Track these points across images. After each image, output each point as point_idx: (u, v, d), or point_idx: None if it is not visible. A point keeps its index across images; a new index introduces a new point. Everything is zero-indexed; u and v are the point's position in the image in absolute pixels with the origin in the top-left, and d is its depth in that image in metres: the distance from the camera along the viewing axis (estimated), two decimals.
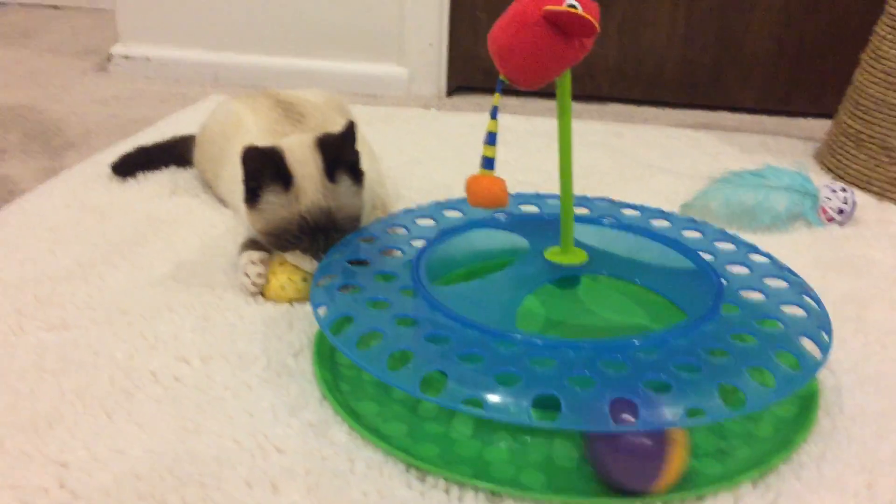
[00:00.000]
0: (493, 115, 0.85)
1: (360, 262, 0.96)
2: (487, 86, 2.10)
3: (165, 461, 0.77)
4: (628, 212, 1.11)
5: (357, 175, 1.06)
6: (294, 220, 1.01)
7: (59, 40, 2.51)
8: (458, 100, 2.10)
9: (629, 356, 0.78)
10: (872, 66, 1.51)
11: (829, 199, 1.33)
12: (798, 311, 0.88)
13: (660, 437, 0.71)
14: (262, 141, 1.05)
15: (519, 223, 1.07)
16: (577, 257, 0.96)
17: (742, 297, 0.90)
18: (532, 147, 1.66)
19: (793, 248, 1.25)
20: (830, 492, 0.75)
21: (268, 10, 2.08)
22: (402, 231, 1.05)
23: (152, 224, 1.25)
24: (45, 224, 1.24)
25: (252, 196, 1.02)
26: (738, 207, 1.31)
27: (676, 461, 0.72)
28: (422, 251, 0.98)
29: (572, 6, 0.79)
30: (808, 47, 1.98)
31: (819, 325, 0.86)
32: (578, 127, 1.79)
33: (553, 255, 0.97)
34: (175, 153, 1.43)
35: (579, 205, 1.12)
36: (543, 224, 1.06)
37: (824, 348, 0.83)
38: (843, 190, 1.33)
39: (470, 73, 2.13)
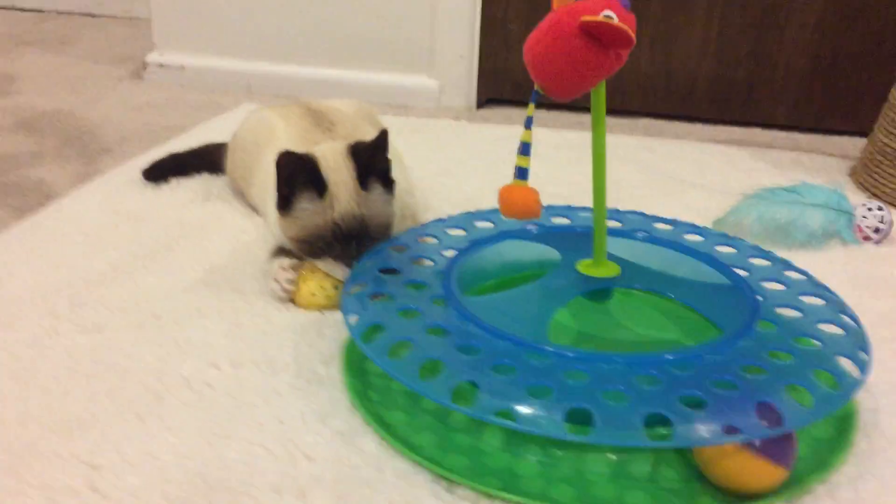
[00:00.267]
0: (528, 126, 0.85)
1: (391, 271, 0.96)
2: (517, 98, 2.10)
3: (195, 466, 0.77)
4: (661, 226, 1.10)
5: (388, 183, 1.07)
6: (328, 227, 1.01)
7: (96, 48, 2.54)
8: (488, 112, 2.10)
9: (663, 371, 0.77)
10: None
11: (865, 217, 1.31)
12: (836, 330, 0.87)
13: None
14: (294, 149, 1.05)
15: (551, 235, 1.07)
16: (610, 270, 0.95)
17: (778, 314, 0.89)
18: (563, 160, 1.66)
19: (828, 266, 1.23)
20: None
21: (301, 21, 2.10)
22: (432, 241, 1.05)
23: (184, 230, 1.26)
24: (80, 228, 1.25)
25: (285, 203, 1.02)
26: (771, 224, 1.30)
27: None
28: (453, 261, 0.98)
29: (609, 17, 0.79)
30: (842, 63, 1.96)
31: (857, 344, 0.85)
32: (609, 141, 1.78)
33: (585, 267, 0.96)
34: (207, 160, 1.44)
35: (611, 218, 1.11)
36: (575, 236, 1.05)
37: (863, 368, 0.81)
38: (880, 209, 1.31)
39: (500, 86, 2.13)
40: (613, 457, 0.80)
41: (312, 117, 1.27)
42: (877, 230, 1.30)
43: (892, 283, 1.19)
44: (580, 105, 0.90)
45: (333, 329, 1.00)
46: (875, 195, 1.53)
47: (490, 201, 0.89)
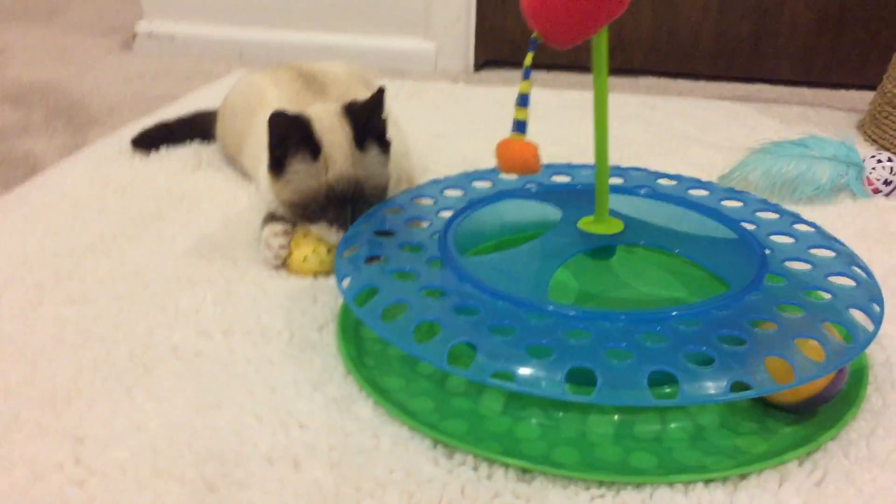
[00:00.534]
0: (526, 76, 0.81)
1: (386, 234, 0.93)
2: (515, 59, 2.05)
3: (184, 436, 0.74)
4: (665, 181, 1.07)
5: (384, 144, 1.03)
6: (322, 190, 0.98)
7: (85, 19, 2.49)
8: (487, 74, 2.06)
9: (669, 328, 0.74)
10: None
11: (874, 169, 1.27)
12: (847, 282, 0.84)
13: None
14: None
15: (551, 193, 1.03)
16: (613, 227, 0.92)
17: (787, 268, 0.85)
18: (563, 120, 1.62)
19: (837, 219, 1.20)
20: (882, 468, 0.71)
21: None
22: (429, 201, 1.01)
23: (174, 199, 1.22)
24: (67, 199, 1.22)
25: (277, 165, 0.99)
26: (778, 178, 1.26)
27: None
28: (450, 221, 0.94)
29: None
30: (849, 15, 1.91)
31: (870, 296, 0.81)
32: (611, 100, 1.74)
33: (587, 224, 0.92)
34: (198, 128, 1.41)
35: (614, 174, 1.07)
36: (576, 194, 1.02)
37: (876, 320, 0.78)
38: (890, 160, 1.27)
39: (498, 47, 2.08)
40: (616, 417, 0.77)
41: (304, 80, 1.23)
42: (886, 182, 1.26)
43: None
44: (580, 65, 0.86)
45: (328, 295, 0.97)
46: (884, 147, 1.49)
47: (489, 162, 0.86)
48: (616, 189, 1.03)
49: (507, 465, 0.71)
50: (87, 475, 0.70)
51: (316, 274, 1.02)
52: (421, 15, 2.04)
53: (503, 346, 0.72)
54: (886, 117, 1.50)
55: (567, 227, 0.92)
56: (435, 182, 1.07)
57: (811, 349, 0.70)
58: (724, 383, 0.67)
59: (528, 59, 0.80)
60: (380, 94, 1.00)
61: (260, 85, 1.24)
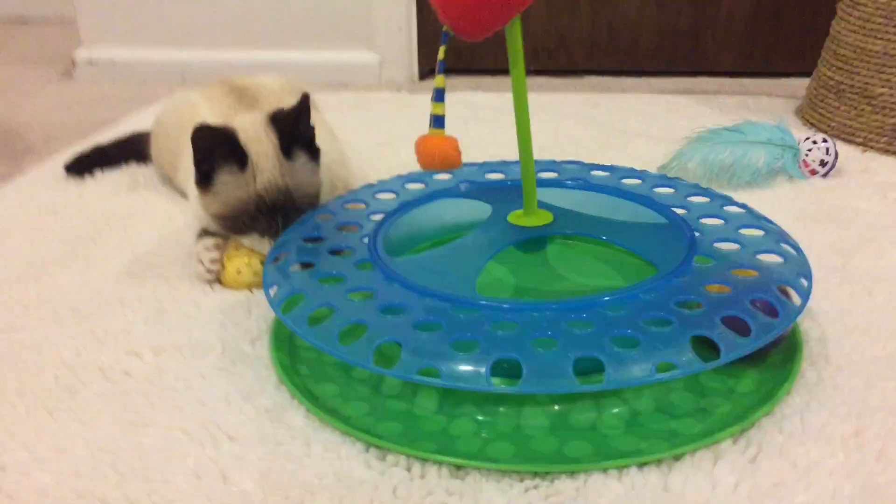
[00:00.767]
0: (440, 70, 0.81)
1: (316, 240, 0.92)
2: (460, 66, 2.04)
3: (109, 457, 0.72)
4: (598, 173, 1.06)
5: (313, 152, 1.02)
6: (251, 200, 0.97)
7: (26, 51, 2.46)
8: (431, 83, 2.04)
9: (595, 314, 0.73)
10: (849, 14, 1.46)
11: (810, 151, 1.28)
12: (776, 259, 0.84)
13: None
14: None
15: (483, 190, 1.02)
16: (542, 218, 0.91)
17: (715, 248, 0.85)
18: (505, 122, 1.58)
19: (775, 202, 1.20)
20: (815, 442, 0.71)
21: (232, 4, 2.04)
22: (361, 206, 1.00)
23: (108, 221, 1.20)
24: None
25: (204, 178, 0.97)
26: (715, 166, 1.27)
27: None
28: (379, 224, 0.93)
29: None
30: (785, 3, 1.93)
31: (798, 271, 0.82)
32: (553, 100, 1.76)
33: (516, 217, 0.92)
34: (133, 150, 1.39)
35: (547, 169, 1.07)
36: (508, 190, 1.01)
37: (804, 294, 0.78)
38: (825, 141, 1.28)
39: None
40: (552, 408, 0.76)
41: (236, 94, 1.22)
42: (822, 163, 1.27)
43: (839, 214, 1.16)
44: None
45: (262, 307, 0.96)
46: (822, 130, 1.50)
47: None
48: (550, 182, 1.03)
49: (440, 464, 0.70)
50: (8, 502, 0.67)
51: (251, 287, 1.00)
52: (363, 27, 2.03)
53: (429, 342, 0.71)
54: (822, 100, 1.52)
55: (496, 222, 0.92)
56: (368, 186, 1.06)
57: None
58: (649, 365, 0.67)
59: (441, 53, 0.80)
60: (304, 100, 0.99)
61: (191, 101, 1.23)
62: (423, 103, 1.79)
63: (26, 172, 1.42)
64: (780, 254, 0.84)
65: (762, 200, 1.19)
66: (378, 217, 0.96)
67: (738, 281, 0.78)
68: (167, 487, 0.68)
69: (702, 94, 1.81)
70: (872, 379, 0.79)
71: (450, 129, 0.84)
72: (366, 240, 0.90)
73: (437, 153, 0.80)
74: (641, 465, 0.69)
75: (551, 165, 1.09)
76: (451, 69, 2.12)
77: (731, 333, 0.70)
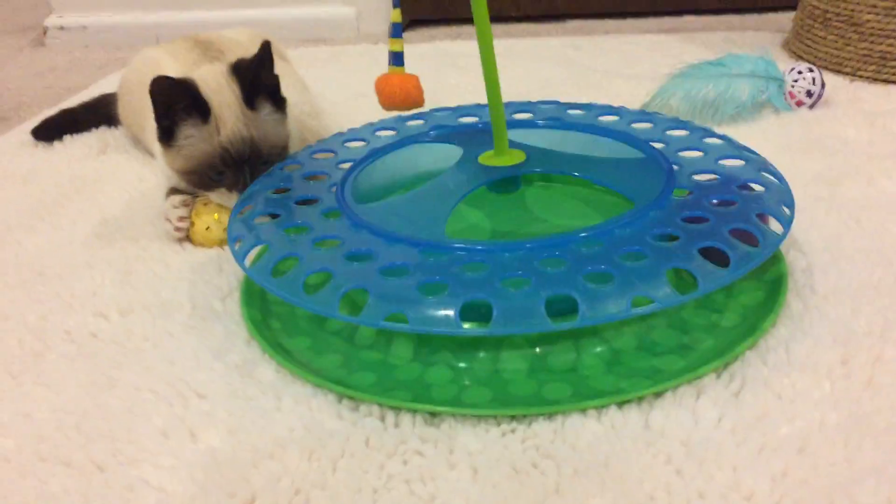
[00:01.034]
0: (395, 4, 0.77)
1: (283, 191, 0.89)
2: (440, 16, 2.00)
3: (73, 420, 0.70)
4: (574, 112, 1.03)
5: (279, 102, 0.98)
6: (216, 153, 0.93)
7: None
8: (410, 34, 2.00)
9: (568, 252, 0.70)
10: None
11: (796, 81, 1.24)
12: (757, 188, 0.81)
13: None
14: None
15: (454, 134, 0.99)
16: (514, 158, 0.88)
17: (694, 180, 0.82)
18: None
19: (761, 134, 1.17)
20: (801, 372, 0.68)
21: None
22: (329, 155, 0.97)
23: (77, 184, 1.17)
24: None
25: (166, 134, 0.94)
26: (699, 101, 1.23)
27: None
28: (348, 172, 0.90)
29: None
30: None
31: (780, 199, 0.79)
32: (534, 44, 1.72)
33: (487, 158, 0.88)
34: (103, 113, 1.35)
35: (522, 109, 1.04)
36: (480, 132, 0.98)
37: (786, 223, 0.75)
38: (811, 70, 1.25)
39: (419, 6, 2.03)
40: (531, 351, 0.74)
41: (201, 48, 1.18)
42: (809, 93, 1.24)
43: (826, 143, 1.13)
44: (503, 16, 0.81)
45: (233, 263, 0.93)
46: (809, 61, 1.46)
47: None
48: (524, 123, 1.00)
49: (415, 412, 0.68)
50: None
51: (222, 244, 0.97)
52: None
53: (396, 287, 0.68)
54: (808, 30, 1.47)
55: (467, 164, 0.89)
56: (338, 135, 1.03)
57: None
58: (624, 301, 0.64)
59: None
60: (265, 48, 0.95)
61: (154, 58, 1.19)
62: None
63: None
64: (761, 183, 0.81)
65: (748, 134, 1.15)
66: (347, 166, 0.93)
67: (717, 211, 0.75)
68: (133, 447, 0.67)
69: (686, 32, 1.77)
70: (860, 305, 0.76)
71: (429, 77, 0.80)
72: (334, 188, 0.87)
73: (398, 92, 0.77)
74: (621, 404, 0.67)
75: (526, 106, 1.05)
76: (430, 21, 2.08)
77: (708, 265, 0.67)
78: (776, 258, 0.82)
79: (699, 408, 0.66)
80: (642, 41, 1.71)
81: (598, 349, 0.74)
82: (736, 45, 1.61)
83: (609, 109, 1.02)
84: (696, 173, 0.83)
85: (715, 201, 0.77)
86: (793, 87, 1.24)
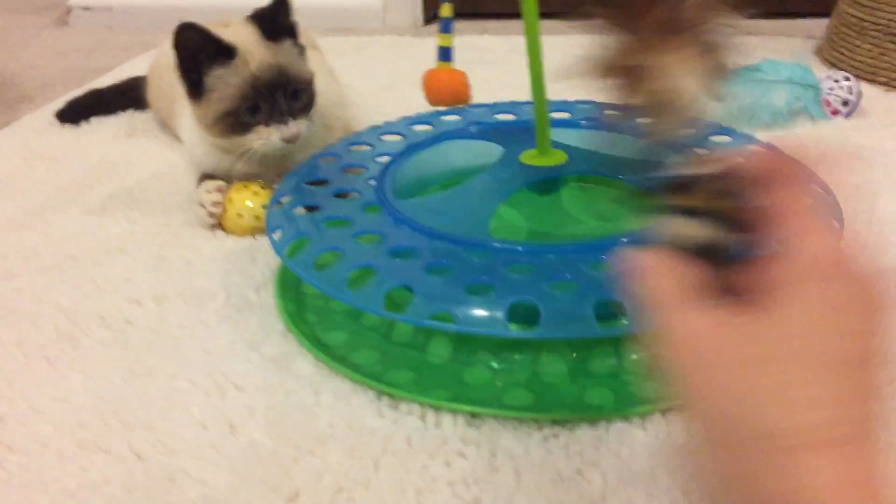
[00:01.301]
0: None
1: (321, 183, 0.88)
2: (466, 10, 1.98)
3: (111, 407, 0.70)
4: (613, 113, 1.02)
5: (300, 47, 1.00)
6: (247, 83, 0.92)
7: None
8: (435, 27, 1.99)
9: (613, 255, 0.69)
10: None
11: (832, 90, 1.23)
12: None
13: None
14: None
15: (494, 131, 0.98)
16: (556, 158, 0.87)
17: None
18: (514, 64, 1.53)
19: (797, 143, 1.16)
20: None
21: None
22: (366, 148, 0.96)
23: (106, 167, 1.17)
24: None
25: (195, 87, 0.93)
26: (735, 106, 1.22)
27: None
28: (387, 166, 0.90)
29: None
30: None
31: (829, 212, 0.78)
32: (565, 42, 1.70)
33: (529, 157, 0.88)
34: (131, 96, 1.34)
35: (560, 109, 1.03)
36: (520, 130, 0.96)
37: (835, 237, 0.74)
38: (847, 79, 1.24)
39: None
40: (571, 355, 0.73)
41: None
42: (845, 102, 1.23)
43: (864, 154, 1.12)
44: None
45: (267, 254, 0.92)
46: (843, 70, 1.44)
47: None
48: (563, 123, 0.99)
49: (455, 412, 0.68)
50: (7, 453, 0.65)
51: (254, 232, 0.96)
52: None
53: (441, 286, 0.67)
54: (843, 38, 1.46)
55: (509, 163, 0.88)
56: (373, 128, 1.02)
57: None
58: None
59: None
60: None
61: None
62: (427, 47, 1.74)
63: (21, 119, 1.38)
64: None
65: (783, 141, 1.14)
66: (385, 159, 0.92)
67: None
68: (172, 438, 0.66)
69: None
70: None
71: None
72: (373, 182, 0.86)
73: (446, 87, 0.76)
74: (665, 412, 0.66)
75: (563, 105, 1.04)
76: (457, 13, 2.07)
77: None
78: None
79: None
80: None
81: (640, 355, 0.73)
82: (769, 51, 1.59)
83: None
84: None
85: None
86: (828, 95, 1.23)
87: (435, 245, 0.73)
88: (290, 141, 0.93)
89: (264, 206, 0.95)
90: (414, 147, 0.95)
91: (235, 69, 0.92)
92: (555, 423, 0.66)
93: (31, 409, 0.70)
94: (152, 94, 1.26)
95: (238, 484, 0.61)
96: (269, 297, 0.85)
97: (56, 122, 1.32)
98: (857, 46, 1.42)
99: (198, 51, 0.91)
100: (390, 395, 0.70)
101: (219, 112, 0.93)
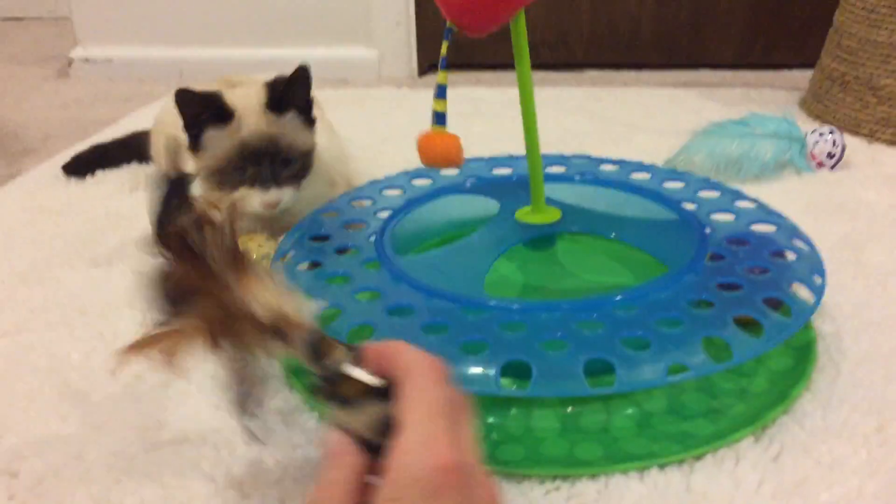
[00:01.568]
0: (443, 66, 0.80)
1: (322, 238, 0.91)
2: (460, 61, 2.03)
3: (123, 463, 0.71)
4: (607, 167, 1.06)
5: (308, 118, 1.04)
6: (235, 147, 0.98)
7: (19, 50, 2.45)
8: (431, 78, 2.04)
9: (605, 314, 0.72)
10: (853, 5, 1.45)
11: (817, 143, 1.27)
12: (789, 256, 0.83)
13: None
14: None
15: (490, 186, 1.01)
16: (550, 216, 0.90)
17: (727, 245, 0.84)
18: (508, 117, 1.60)
19: (784, 195, 1.20)
20: (838, 438, 0.70)
21: (230, 1, 2.03)
22: (367, 203, 0.99)
23: (111, 221, 1.19)
24: None
25: (194, 140, 0.99)
26: (723, 159, 1.26)
27: None
28: (387, 221, 0.93)
29: None
30: None
31: (812, 268, 0.81)
32: (555, 94, 1.76)
33: (524, 214, 0.91)
34: (135, 149, 1.38)
35: (555, 163, 1.06)
36: (516, 185, 1.00)
37: (817, 292, 0.77)
38: (832, 133, 1.28)
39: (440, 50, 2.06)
40: (562, 410, 0.75)
41: (232, 85, 1.20)
42: (830, 155, 1.27)
43: (849, 206, 1.16)
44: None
45: None
46: (827, 122, 1.49)
47: None
48: (558, 177, 1.02)
49: None
50: None
51: None
52: (361, 22, 2.02)
53: (437, 344, 0.70)
54: (827, 92, 1.51)
55: (504, 219, 0.91)
56: (374, 183, 1.06)
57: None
58: (660, 367, 0.66)
59: (444, 49, 0.79)
60: (300, 70, 1.00)
61: None
62: (423, 99, 1.79)
63: (26, 172, 1.41)
64: (793, 250, 0.84)
65: (771, 193, 1.18)
66: (385, 214, 0.95)
67: (750, 278, 0.77)
68: (185, 493, 0.68)
69: (704, 87, 1.81)
70: (892, 373, 0.78)
71: (451, 124, 0.83)
72: (372, 238, 0.89)
73: (439, 151, 0.79)
74: (663, 466, 0.68)
75: (559, 159, 1.08)
76: (450, 64, 2.11)
77: (741, 333, 0.69)
78: (805, 323, 0.84)
79: (739, 472, 0.67)
80: (662, 94, 1.75)
81: (629, 411, 0.75)
82: (754, 103, 1.65)
83: (640, 166, 1.05)
84: (729, 238, 0.86)
85: (748, 268, 0.79)
86: (814, 148, 1.27)
87: (432, 302, 0.76)
88: (269, 207, 0.98)
89: (266, 258, 0.97)
90: (413, 202, 0.98)
91: (229, 132, 0.98)
92: (555, 477, 0.68)
93: (46, 466, 0.72)
94: (156, 149, 1.29)
95: None
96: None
97: (61, 175, 1.35)
98: (841, 99, 1.47)
99: (198, 112, 0.97)
100: None
101: (209, 168, 0.99)
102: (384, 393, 0.51)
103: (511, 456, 0.70)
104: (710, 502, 0.64)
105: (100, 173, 1.35)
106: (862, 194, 1.19)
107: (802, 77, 1.79)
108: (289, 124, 1.01)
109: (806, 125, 1.32)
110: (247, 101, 0.99)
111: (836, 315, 0.88)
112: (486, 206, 0.97)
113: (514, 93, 0.87)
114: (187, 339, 0.58)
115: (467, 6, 0.75)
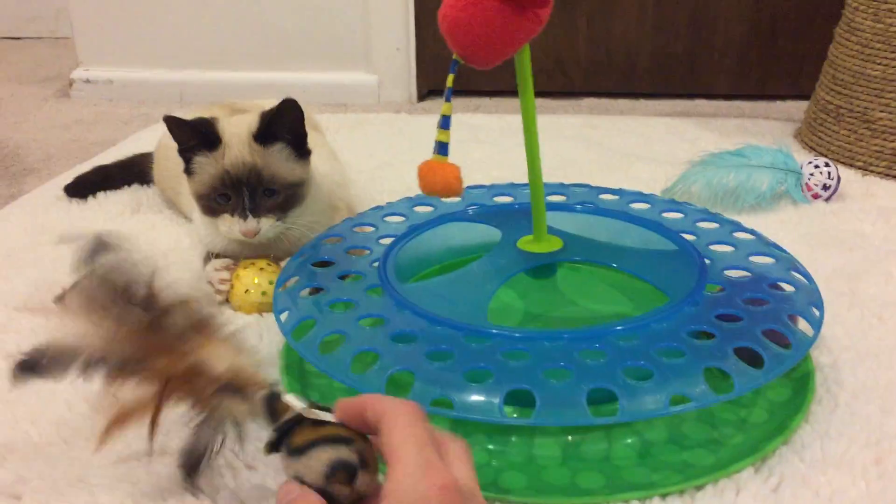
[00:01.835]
0: (447, 98, 0.81)
1: (326, 264, 0.92)
2: (458, 88, 2.05)
3: (126, 486, 0.71)
4: (606, 196, 1.07)
5: (301, 151, 1.03)
6: (219, 175, 0.99)
7: (20, 70, 2.46)
8: (430, 104, 2.06)
9: (608, 344, 0.73)
10: (848, 39, 1.48)
11: (812, 175, 1.29)
12: (787, 288, 0.84)
13: None
14: None
15: (492, 214, 1.02)
16: (552, 245, 0.91)
17: (726, 276, 0.85)
18: (507, 144, 1.62)
19: (779, 226, 1.21)
20: (837, 469, 0.71)
21: (231, 25, 2.04)
22: (369, 230, 1.00)
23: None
24: (1, 250, 1.19)
25: (188, 164, 1.01)
26: (720, 189, 1.27)
27: None
28: (389, 248, 0.93)
29: None
30: (780, 28, 1.95)
31: (809, 300, 0.82)
32: (553, 122, 1.77)
33: (526, 243, 0.92)
34: (136, 171, 1.39)
35: (555, 192, 1.07)
36: (517, 213, 1.01)
37: (816, 324, 0.78)
38: (827, 165, 1.29)
39: (440, 76, 2.07)
40: (564, 439, 0.76)
41: (234, 111, 1.22)
42: (825, 187, 1.28)
43: (844, 238, 1.17)
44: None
45: (273, 332, 0.95)
46: (821, 154, 1.51)
47: None
48: (558, 206, 1.03)
49: None
50: None
51: (260, 309, 1.00)
52: (361, 48, 2.04)
53: (441, 372, 0.70)
54: (821, 124, 1.53)
55: (506, 248, 0.92)
56: (376, 209, 1.06)
57: None
58: (663, 397, 0.66)
59: (450, 81, 0.81)
60: (286, 103, 0.99)
61: None
62: (422, 124, 1.81)
63: (28, 193, 1.41)
64: (791, 282, 0.85)
65: (767, 224, 1.19)
66: (387, 241, 0.96)
67: (749, 310, 0.78)
68: None
69: (700, 117, 1.82)
70: (889, 405, 0.79)
71: (451, 151, 0.84)
72: (376, 264, 0.90)
73: (439, 181, 0.80)
74: (664, 495, 0.69)
75: (559, 188, 1.09)
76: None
77: (741, 364, 0.70)
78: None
79: (740, 502, 0.67)
80: (658, 124, 1.77)
81: (630, 440, 0.76)
82: (750, 134, 1.67)
83: (640, 196, 1.06)
84: (728, 269, 0.87)
85: (747, 299, 0.80)
86: (809, 179, 1.28)
87: (435, 330, 0.76)
88: (246, 236, 0.98)
89: (271, 283, 0.98)
90: (415, 229, 0.99)
91: (213, 160, 0.99)
92: None
93: (51, 487, 0.72)
94: (159, 173, 1.30)
95: None
96: (274, 374, 0.87)
97: (62, 196, 1.35)
98: (835, 132, 1.48)
99: (187, 138, 0.99)
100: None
101: (196, 193, 1.01)
102: (345, 440, 0.54)
103: (513, 484, 0.70)
104: None
105: (101, 195, 1.36)
106: (857, 226, 1.21)
107: (797, 108, 1.82)
108: (275, 155, 1.00)
109: (801, 156, 1.34)
110: (237, 129, 1.00)
111: (832, 346, 0.89)
112: (488, 234, 0.98)
113: (512, 119, 0.89)
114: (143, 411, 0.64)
115: (474, 40, 0.76)
